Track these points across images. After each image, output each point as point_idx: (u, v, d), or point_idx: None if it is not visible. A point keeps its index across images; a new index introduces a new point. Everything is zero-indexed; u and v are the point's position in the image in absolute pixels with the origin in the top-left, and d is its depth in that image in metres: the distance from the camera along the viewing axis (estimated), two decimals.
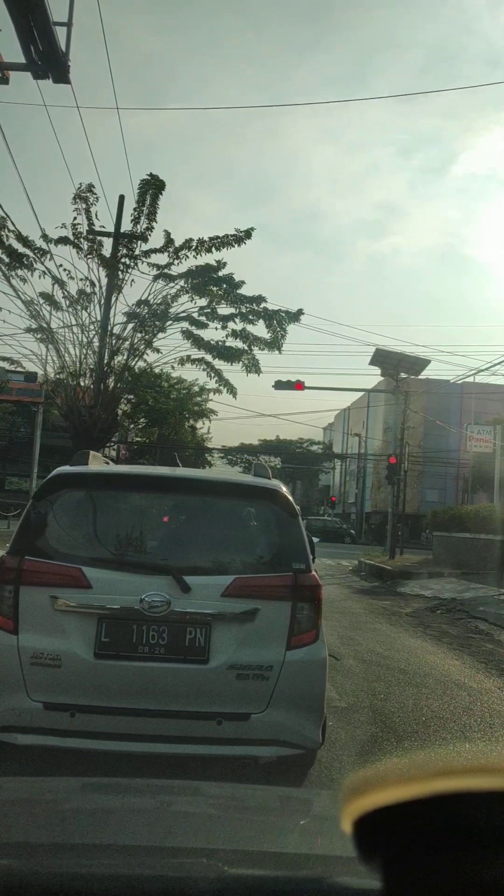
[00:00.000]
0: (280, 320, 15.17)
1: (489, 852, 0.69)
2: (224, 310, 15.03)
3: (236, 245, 14.59)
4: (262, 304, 15.06)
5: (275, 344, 15.26)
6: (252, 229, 14.69)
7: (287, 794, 2.49)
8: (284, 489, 3.96)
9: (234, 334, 15.19)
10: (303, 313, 15.50)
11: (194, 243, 14.50)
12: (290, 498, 3.91)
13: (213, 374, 15.56)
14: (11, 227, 13.87)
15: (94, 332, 15.14)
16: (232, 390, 15.70)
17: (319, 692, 3.62)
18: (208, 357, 15.39)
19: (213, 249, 14.53)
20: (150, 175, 14.53)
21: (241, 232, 14.62)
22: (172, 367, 16.25)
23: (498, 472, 25.24)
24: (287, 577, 3.60)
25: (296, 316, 15.38)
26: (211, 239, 14.54)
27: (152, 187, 14.45)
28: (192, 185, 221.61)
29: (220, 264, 14.66)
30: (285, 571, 3.62)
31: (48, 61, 8.86)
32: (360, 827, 0.74)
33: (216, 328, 15.14)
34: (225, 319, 15.01)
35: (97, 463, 4.24)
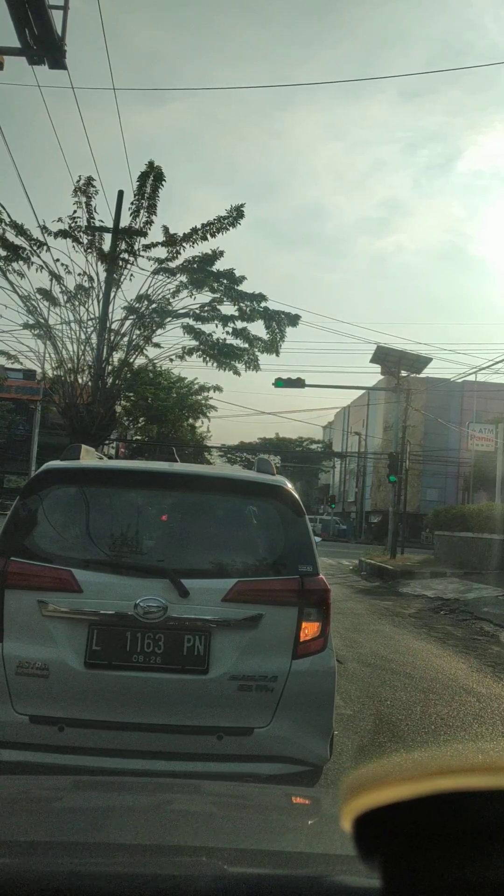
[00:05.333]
0: (280, 321, 14.96)
1: (489, 852, 0.70)
2: (226, 308, 14.81)
3: (231, 227, 14.31)
4: (263, 304, 14.83)
5: (273, 347, 15.06)
6: (242, 205, 14.39)
7: (287, 792, 2.39)
8: (290, 485, 3.70)
9: (235, 333, 14.97)
10: (300, 318, 15.34)
11: (189, 234, 14.22)
12: (296, 495, 3.66)
13: (210, 361, 15.25)
14: (7, 219, 13.62)
15: (92, 328, 14.91)
16: (234, 370, 15.43)
17: (328, 704, 3.37)
18: (208, 349, 15.15)
19: (209, 236, 14.25)
20: (150, 165, 14.23)
21: (232, 211, 14.32)
22: (171, 360, 16.02)
23: (499, 471, 25.03)
24: (293, 581, 3.35)
25: (293, 320, 15.19)
26: (204, 226, 14.26)
27: (152, 178, 14.15)
28: (194, 183, 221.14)
29: (217, 253, 14.40)
30: (291, 574, 3.37)
31: (44, 45, 8.60)
32: (360, 826, 0.74)
33: (216, 325, 14.93)
34: (226, 320, 14.78)
35: (90, 458, 3.99)
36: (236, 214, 14.31)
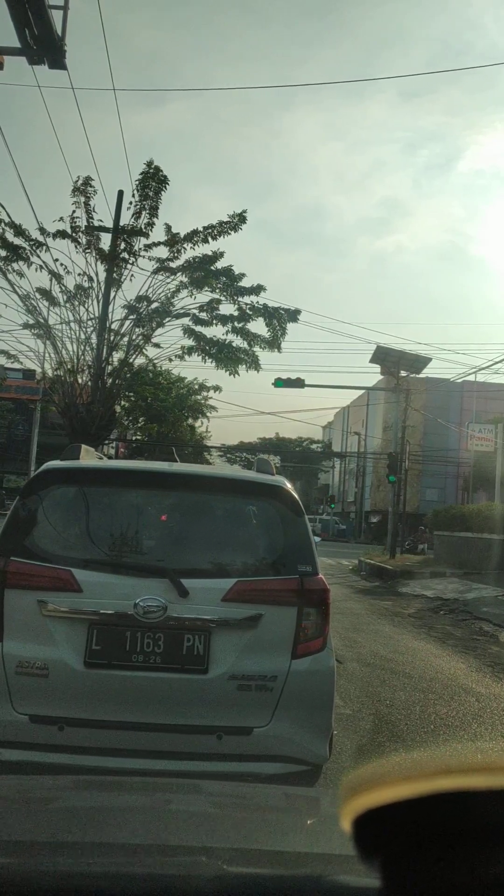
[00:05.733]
0: (280, 318, 14.95)
1: (489, 851, 0.69)
2: (226, 307, 14.80)
3: (232, 232, 14.32)
4: (262, 300, 14.83)
5: (275, 343, 15.06)
6: (244, 212, 14.42)
7: (286, 792, 2.38)
8: (289, 486, 3.71)
9: (235, 331, 14.96)
10: (300, 313, 15.34)
11: (190, 234, 14.21)
12: (296, 495, 3.66)
13: (210, 360, 15.24)
14: (6, 219, 13.61)
15: (92, 328, 14.90)
16: (233, 371, 15.43)
17: (327, 704, 3.38)
18: (208, 348, 15.15)
19: (210, 239, 14.25)
20: (153, 167, 14.21)
21: (234, 217, 14.34)
22: (170, 360, 16.01)
23: (499, 471, 25.05)
24: (293, 581, 3.35)
25: (294, 315, 15.18)
26: (206, 228, 14.25)
27: (154, 181, 14.13)
28: (194, 183, 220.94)
29: (218, 254, 14.40)
30: (290, 574, 3.37)
31: (44, 45, 8.60)
32: (359, 825, 0.74)
33: (216, 324, 14.92)
34: (226, 320, 14.78)
35: (89, 457, 3.99)
36: (238, 220, 14.31)
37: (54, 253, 14.19)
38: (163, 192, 14.29)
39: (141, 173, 14.26)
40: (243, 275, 14.78)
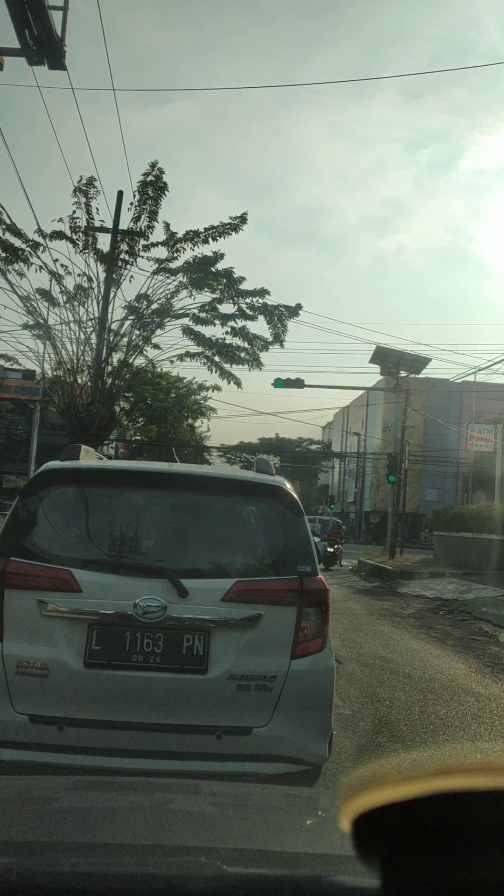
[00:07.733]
0: (280, 315, 14.95)
1: (489, 852, 0.69)
2: (225, 308, 14.80)
3: (232, 233, 14.32)
4: (264, 300, 14.82)
5: (277, 339, 15.07)
6: (245, 214, 14.42)
7: (286, 792, 2.39)
8: (289, 486, 3.71)
9: (235, 332, 14.97)
10: (301, 308, 15.31)
11: (190, 234, 14.21)
12: (295, 495, 3.66)
13: (213, 368, 15.30)
14: (6, 220, 13.60)
15: (91, 329, 14.90)
16: (236, 381, 15.49)
17: (326, 704, 3.38)
18: (209, 352, 15.17)
19: (210, 240, 14.25)
20: (157, 168, 14.19)
21: (235, 219, 14.34)
22: (171, 362, 16.02)
23: (498, 472, 25.09)
24: (292, 581, 3.35)
25: (294, 311, 15.16)
26: (206, 229, 14.25)
27: (154, 187, 14.11)
28: (195, 182, 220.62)
29: (218, 255, 14.40)
30: (290, 574, 3.38)
31: (43, 46, 8.61)
32: (359, 825, 0.74)
33: (216, 324, 14.93)
34: (226, 318, 14.77)
35: (89, 458, 3.99)
36: (239, 221, 14.31)
37: (54, 254, 14.19)
38: (162, 199, 14.28)
39: (143, 174, 14.25)
40: (244, 278, 14.78)
